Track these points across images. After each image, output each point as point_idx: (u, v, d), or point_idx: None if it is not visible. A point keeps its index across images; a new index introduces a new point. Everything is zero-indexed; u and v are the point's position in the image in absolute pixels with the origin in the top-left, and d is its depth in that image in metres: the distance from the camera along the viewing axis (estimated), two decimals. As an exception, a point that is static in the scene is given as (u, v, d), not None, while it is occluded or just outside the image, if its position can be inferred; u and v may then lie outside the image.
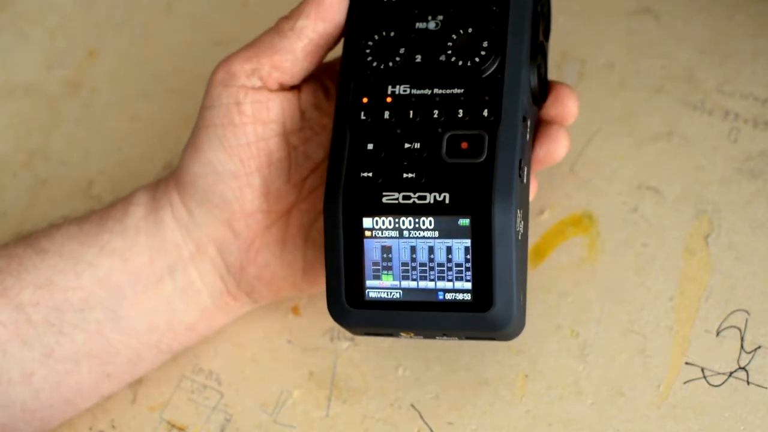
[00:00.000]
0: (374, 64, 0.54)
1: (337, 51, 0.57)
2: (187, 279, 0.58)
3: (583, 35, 0.67)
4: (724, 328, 0.58)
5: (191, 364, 0.62)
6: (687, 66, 0.65)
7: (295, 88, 0.58)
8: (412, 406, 0.59)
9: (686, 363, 0.57)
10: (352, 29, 0.56)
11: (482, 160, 0.52)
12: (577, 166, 0.63)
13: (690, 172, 0.62)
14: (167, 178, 0.59)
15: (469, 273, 0.52)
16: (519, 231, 0.52)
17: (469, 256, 0.51)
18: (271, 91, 0.57)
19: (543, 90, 0.57)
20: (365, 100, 0.54)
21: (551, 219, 0.62)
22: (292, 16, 0.56)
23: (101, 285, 0.57)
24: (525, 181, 0.53)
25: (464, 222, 0.51)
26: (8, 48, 0.75)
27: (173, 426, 0.60)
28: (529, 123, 0.54)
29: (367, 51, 0.55)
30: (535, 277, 0.61)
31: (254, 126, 0.56)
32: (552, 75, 0.65)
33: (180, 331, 0.59)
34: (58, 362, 0.57)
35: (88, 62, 0.74)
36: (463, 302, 0.52)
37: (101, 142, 0.71)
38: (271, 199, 0.57)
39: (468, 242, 0.51)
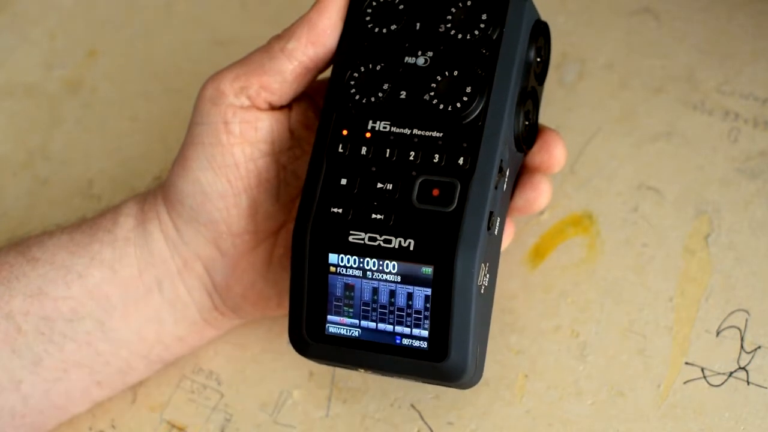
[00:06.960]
0: (357, 97, 0.54)
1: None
2: (174, 293, 0.58)
3: (583, 35, 0.67)
4: (724, 328, 0.58)
5: (191, 364, 0.62)
6: (687, 66, 0.65)
7: (285, 107, 0.57)
8: (412, 406, 0.59)
9: (686, 363, 0.57)
10: (342, 57, 0.55)
11: (451, 209, 0.51)
12: (577, 166, 0.63)
13: (690, 172, 0.62)
14: (156, 190, 0.58)
15: (428, 322, 0.51)
16: (482, 285, 0.52)
17: (428, 305, 0.51)
18: (259, 110, 0.56)
19: (530, 136, 0.56)
20: (345, 132, 0.53)
21: (551, 219, 0.62)
22: (283, 36, 0.55)
23: (91, 295, 0.57)
24: (496, 233, 0.53)
25: (427, 270, 0.51)
26: (8, 48, 0.75)
27: (173, 426, 0.60)
28: (508, 172, 0.54)
29: (352, 83, 0.54)
30: (535, 277, 0.61)
31: (242, 146, 0.55)
32: (552, 75, 0.65)
33: (169, 342, 0.59)
34: (47, 370, 0.57)
35: (88, 62, 0.74)
36: (419, 350, 0.52)
37: (101, 142, 0.71)
38: (259, 219, 0.57)
39: (429, 291, 0.51)
